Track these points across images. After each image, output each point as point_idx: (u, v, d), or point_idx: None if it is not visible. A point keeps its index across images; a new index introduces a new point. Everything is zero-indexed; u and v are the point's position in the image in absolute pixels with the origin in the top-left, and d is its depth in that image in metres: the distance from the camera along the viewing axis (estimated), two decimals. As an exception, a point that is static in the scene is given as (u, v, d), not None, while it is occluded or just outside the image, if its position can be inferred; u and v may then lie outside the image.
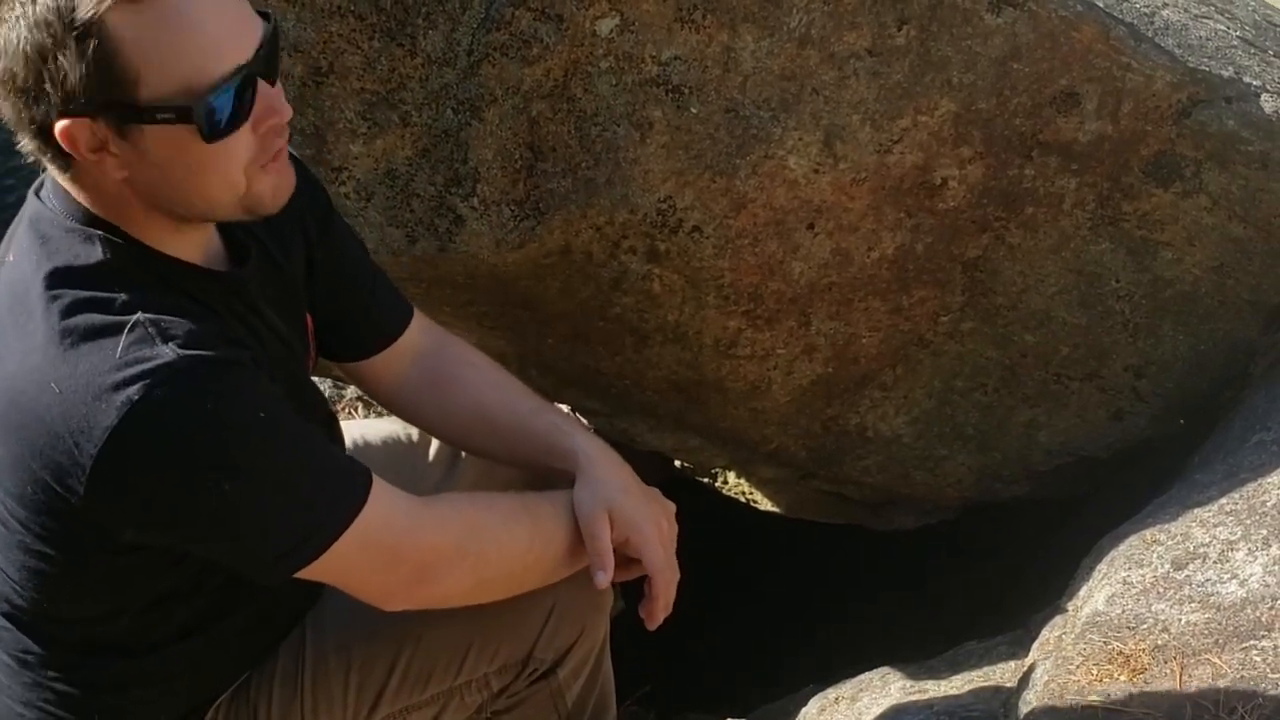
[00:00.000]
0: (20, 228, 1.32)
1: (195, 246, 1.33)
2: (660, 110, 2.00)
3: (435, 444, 1.81)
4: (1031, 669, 1.81)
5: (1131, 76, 2.12)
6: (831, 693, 2.29)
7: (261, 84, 1.22)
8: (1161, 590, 1.82)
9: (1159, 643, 1.72)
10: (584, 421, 2.64)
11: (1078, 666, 1.72)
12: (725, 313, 2.25)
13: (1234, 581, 1.79)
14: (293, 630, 1.55)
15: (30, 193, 1.33)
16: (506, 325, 2.36)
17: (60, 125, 1.18)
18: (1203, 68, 2.16)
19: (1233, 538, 1.88)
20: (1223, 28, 2.33)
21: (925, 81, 2.07)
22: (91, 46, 1.14)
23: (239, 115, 1.21)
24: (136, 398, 1.16)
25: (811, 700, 2.30)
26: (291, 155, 1.50)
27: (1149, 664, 1.68)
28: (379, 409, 1.79)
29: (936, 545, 3.01)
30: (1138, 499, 2.16)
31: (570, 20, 1.92)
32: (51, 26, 1.14)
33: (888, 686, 2.20)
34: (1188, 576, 1.83)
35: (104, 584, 1.33)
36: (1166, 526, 1.96)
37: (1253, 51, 2.31)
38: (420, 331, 1.68)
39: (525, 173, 2.03)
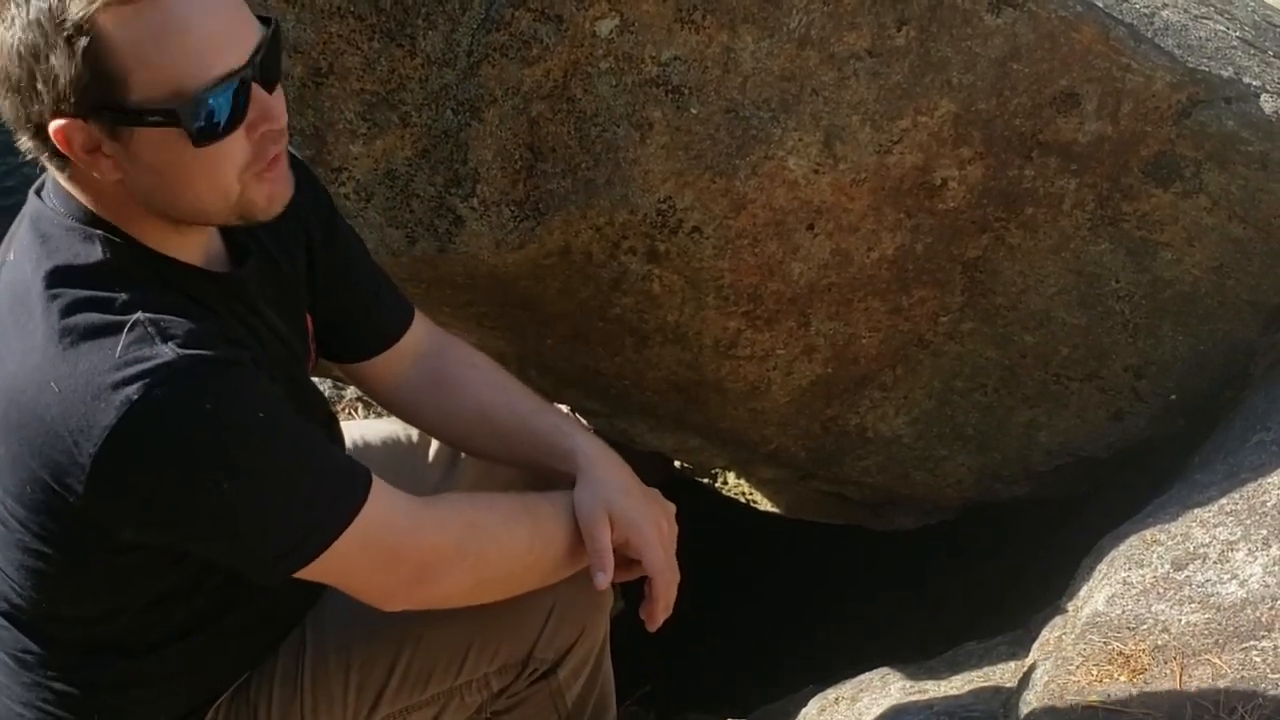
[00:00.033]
0: (21, 227, 1.32)
1: (195, 247, 1.32)
2: (660, 111, 2.00)
3: (435, 444, 1.81)
4: (1031, 669, 1.81)
5: (1131, 77, 2.12)
6: (831, 693, 2.29)
7: (256, 89, 1.21)
8: (1162, 590, 1.82)
9: (1159, 643, 1.72)
10: (584, 422, 2.64)
11: (1078, 667, 1.72)
12: (725, 313, 2.25)
13: (1234, 582, 1.79)
14: (293, 630, 1.55)
15: (31, 192, 1.33)
16: (506, 325, 2.36)
17: (54, 125, 1.19)
18: (1203, 68, 2.16)
19: (1233, 538, 1.88)
20: (1222, 28, 2.33)
21: (925, 82, 2.07)
22: (81, 47, 1.14)
23: (231, 120, 1.20)
24: (136, 397, 1.16)
25: (811, 700, 2.30)
26: (293, 156, 1.51)
27: (1149, 664, 1.68)
28: (379, 409, 1.79)
29: (936, 545, 3.01)
30: (1138, 499, 2.16)
31: (570, 21, 1.92)
32: (43, 26, 1.14)
33: (888, 687, 2.20)
34: (1188, 577, 1.83)
35: (103, 583, 1.34)
36: (1167, 527, 1.96)
37: (1253, 52, 2.31)
38: (421, 332, 1.68)
39: (525, 173, 2.03)
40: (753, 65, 2.00)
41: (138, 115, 1.17)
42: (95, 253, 1.25)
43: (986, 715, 1.92)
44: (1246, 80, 2.20)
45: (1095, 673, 1.70)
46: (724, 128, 2.03)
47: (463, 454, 1.78)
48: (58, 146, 1.20)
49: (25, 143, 1.23)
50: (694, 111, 2.01)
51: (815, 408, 2.46)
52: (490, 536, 1.45)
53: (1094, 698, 1.65)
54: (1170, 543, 1.92)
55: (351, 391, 3.30)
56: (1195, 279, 2.30)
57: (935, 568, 3.11)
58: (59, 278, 1.24)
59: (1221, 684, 1.62)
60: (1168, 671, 1.67)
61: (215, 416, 1.21)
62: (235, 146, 1.22)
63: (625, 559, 1.53)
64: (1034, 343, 2.38)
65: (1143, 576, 1.86)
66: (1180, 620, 1.75)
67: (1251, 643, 1.68)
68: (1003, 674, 2.07)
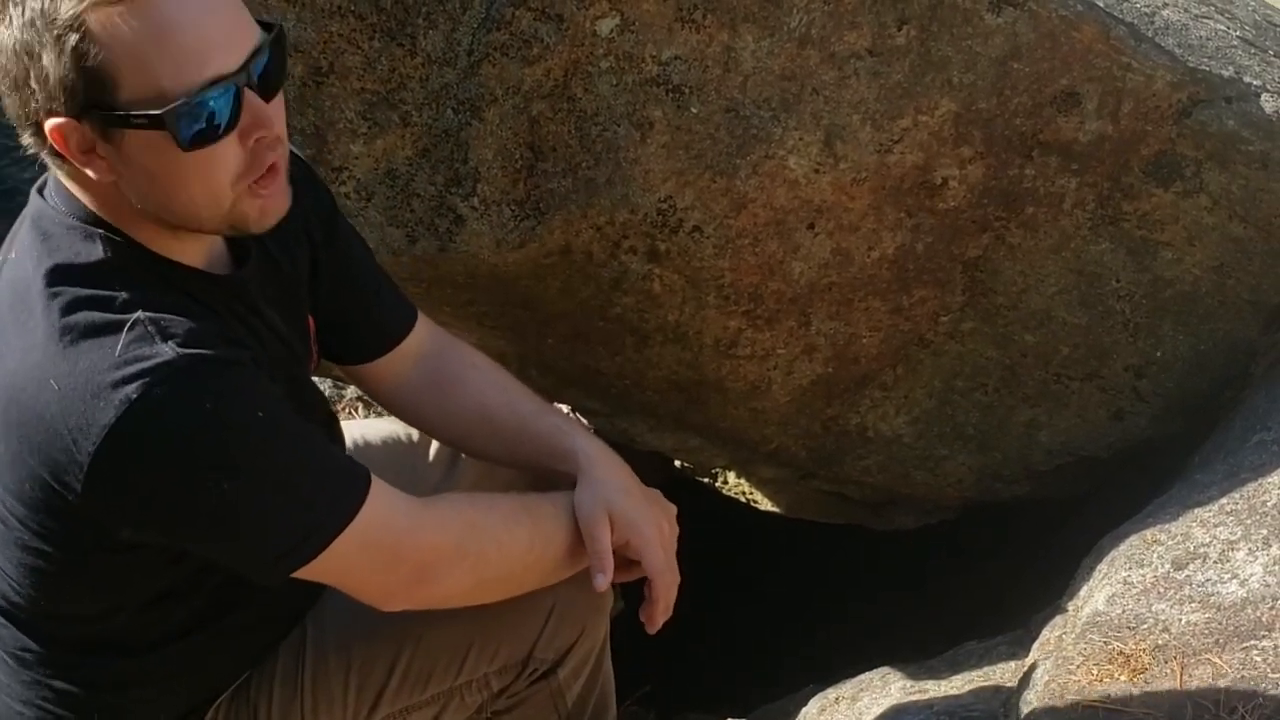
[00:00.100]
0: (23, 226, 1.32)
1: (195, 249, 1.32)
2: (660, 110, 2.00)
3: (435, 444, 1.81)
4: (1032, 669, 1.81)
5: (1132, 76, 2.12)
6: (832, 693, 2.29)
7: (250, 96, 1.20)
8: (1162, 590, 1.82)
9: (1159, 643, 1.72)
10: (585, 422, 2.64)
11: (1078, 666, 1.72)
12: (725, 313, 2.25)
13: (1234, 581, 1.79)
14: (293, 630, 1.55)
15: (33, 190, 1.33)
16: (506, 325, 2.36)
17: (50, 124, 1.19)
18: (1203, 68, 2.16)
19: (1233, 538, 1.88)
20: (1223, 28, 2.33)
21: (925, 81, 2.07)
22: (70, 46, 1.14)
23: (220, 126, 1.19)
24: (135, 396, 1.16)
25: (811, 700, 2.30)
26: (295, 154, 1.50)
27: (1149, 664, 1.68)
28: (379, 409, 1.79)
29: (936, 545, 3.01)
30: (1138, 499, 2.16)
31: (570, 20, 1.92)
32: (36, 25, 1.14)
33: (888, 686, 2.20)
34: (1188, 576, 1.83)
35: (102, 582, 1.33)
36: (1167, 526, 1.96)
37: (1253, 51, 2.31)
38: (423, 334, 1.67)
39: (525, 173, 2.03)
40: (753, 64, 2.00)
41: (125, 117, 1.17)
42: (96, 251, 1.25)
43: (987, 715, 1.92)
44: (1247, 80, 2.20)
45: (1095, 672, 1.70)
46: (724, 127, 2.03)
47: (463, 454, 1.78)
48: (54, 146, 1.20)
49: (27, 140, 1.23)
50: (694, 111, 2.01)
51: (816, 407, 2.45)
52: (490, 537, 1.45)
53: (1094, 697, 1.65)
54: (1170, 542, 1.92)
55: (351, 391, 3.30)
56: (1196, 279, 2.30)
57: (935, 568, 3.11)
58: (59, 276, 1.24)
59: (1222, 683, 1.62)
60: (1168, 671, 1.66)
61: (215, 416, 1.20)
62: (227, 153, 1.21)
63: (625, 560, 1.53)
64: (1034, 342, 2.38)
65: (1143, 576, 1.86)
66: (1181, 620, 1.75)
67: (1252, 642, 1.68)
68: (1003, 674, 2.07)
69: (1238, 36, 2.33)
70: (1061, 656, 1.76)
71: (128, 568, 1.32)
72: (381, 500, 1.34)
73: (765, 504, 3.06)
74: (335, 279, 1.57)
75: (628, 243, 2.12)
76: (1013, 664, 2.07)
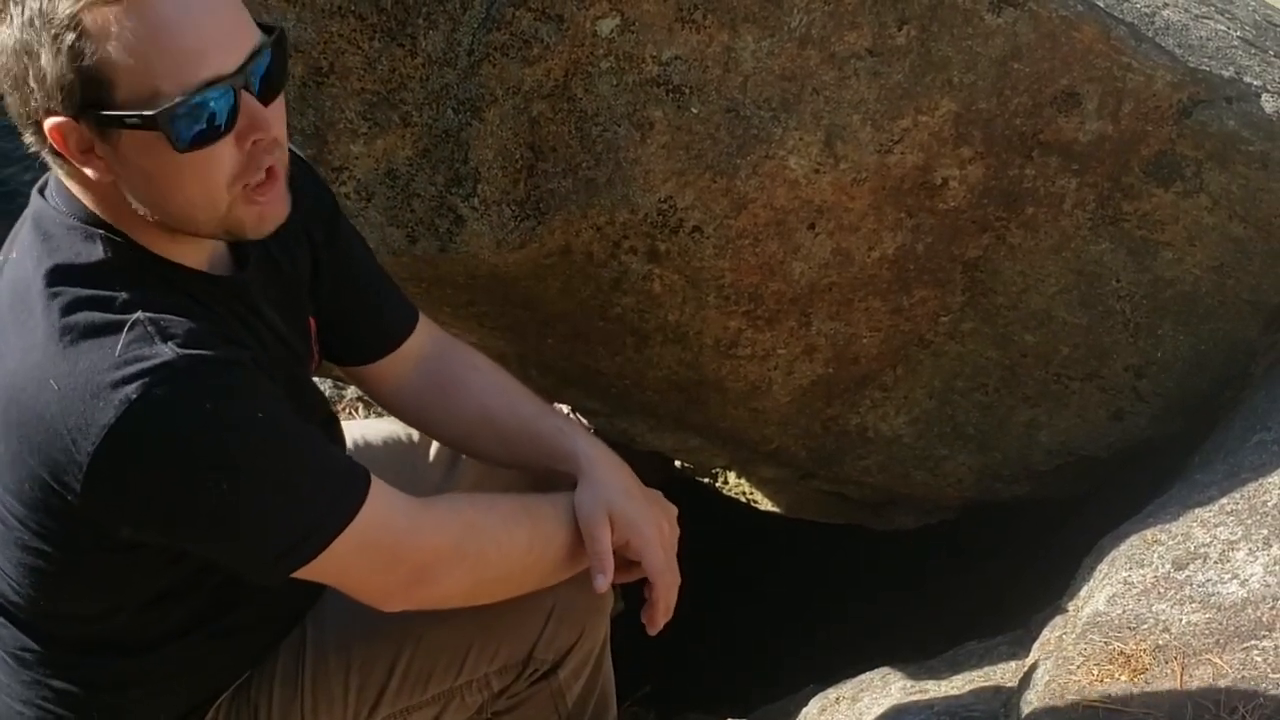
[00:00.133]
0: (24, 226, 1.32)
1: (197, 251, 1.32)
2: (661, 110, 2.00)
3: (435, 444, 1.81)
4: (1032, 669, 1.81)
5: (1132, 76, 2.12)
6: (832, 693, 2.29)
7: (247, 98, 1.20)
8: (1162, 590, 1.82)
9: (1160, 643, 1.72)
10: (585, 423, 2.64)
11: (1078, 666, 1.72)
12: (725, 313, 2.25)
13: (1235, 581, 1.79)
14: (293, 630, 1.55)
15: (34, 190, 1.33)
16: (507, 325, 2.36)
17: (48, 124, 1.19)
18: (1203, 68, 2.16)
19: (1233, 538, 1.88)
20: (1223, 28, 2.33)
21: (926, 81, 2.07)
22: (66, 45, 1.14)
23: (216, 128, 1.19)
24: (135, 396, 1.16)
25: (812, 700, 2.30)
26: (296, 155, 1.50)
27: (1150, 664, 1.68)
28: (379, 409, 1.79)
29: (936, 545, 3.01)
30: (1138, 499, 2.16)
31: (571, 20, 1.92)
32: (35, 24, 1.15)
33: (888, 686, 2.20)
34: (1188, 576, 1.83)
35: (101, 582, 1.33)
36: (1167, 526, 1.96)
37: (1253, 51, 2.31)
38: (424, 335, 1.67)
39: (526, 173, 2.03)
40: (753, 65, 2.00)
41: (121, 117, 1.17)
42: (96, 252, 1.25)
43: (987, 715, 1.92)
44: (1247, 80, 2.20)
45: (1096, 672, 1.70)
46: (725, 127, 2.03)
47: (463, 455, 1.78)
48: (53, 145, 1.20)
49: (28, 139, 1.23)
50: (695, 111, 2.01)
51: (816, 407, 2.46)
52: (489, 538, 1.45)
53: (1095, 697, 1.65)
54: (1171, 542, 1.92)
55: (352, 391, 3.30)
56: (1196, 279, 2.30)
57: (935, 568, 3.11)
58: (60, 276, 1.24)
59: (1222, 684, 1.62)
60: (1168, 671, 1.66)
61: (214, 416, 1.20)
62: (224, 155, 1.21)
63: (626, 560, 1.53)
64: (1034, 342, 2.38)
65: (1143, 576, 1.86)
66: (1181, 620, 1.75)
67: (1252, 642, 1.68)
68: (1003, 674, 2.07)
69: (1238, 36, 2.33)
70: (1062, 656, 1.76)
71: (127, 567, 1.32)
72: (381, 500, 1.34)
73: (765, 504, 3.06)
74: (336, 279, 1.57)
75: (628, 243, 2.12)
76: (1013, 664, 2.07)
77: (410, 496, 1.39)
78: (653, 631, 1.56)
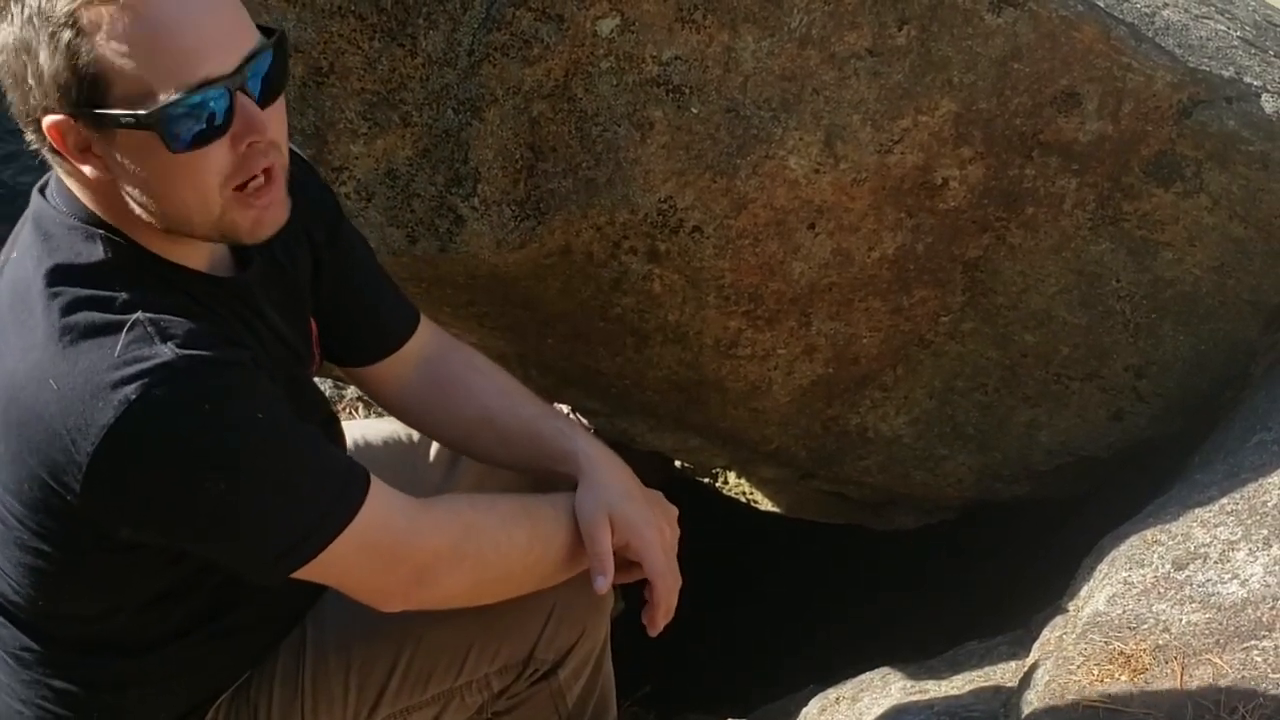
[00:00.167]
0: (25, 225, 1.32)
1: (197, 252, 1.32)
2: (661, 110, 2.00)
3: (436, 445, 1.81)
4: (1032, 669, 1.81)
5: (1132, 76, 2.12)
6: (832, 693, 2.29)
7: (243, 100, 1.19)
8: (1162, 590, 1.82)
9: (1160, 643, 1.72)
10: (585, 424, 2.64)
11: (1079, 666, 1.72)
12: (726, 313, 2.25)
13: (1235, 581, 1.79)
14: (293, 630, 1.55)
15: (35, 190, 1.33)
16: (506, 325, 2.36)
17: (46, 122, 1.19)
18: (1203, 68, 2.16)
19: (1233, 538, 1.88)
20: (1223, 28, 2.33)
21: (926, 81, 2.07)
22: (64, 43, 1.14)
23: (210, 129, 1.18)
24: (134, 396, 1.16)
25: (812, 700, 2.30)
26: (299, 156, 1.50)
27: (1150, 664, 1.68)
28: (379, 409, 1.79)
29: (936, 545, 3.01)
30: (1138, 499, 2.16)
31: (571, 20, 1.92)
32: (34, 22, 1.15)
33: (888, 686, 2.20)
34: (1188, 576, 1.83)
35: (101, 582, 1.33)
36: (1167, 526, 1.96)
37: (1253, 51, 2.31)
38: (426, 337, 1.67)
39: (526, 173, 2.03)
40: (753, 65, 2.00)
41: (116, 116, 1.17)
42: (96, 252, 1.25)
43: (987, 715, 1.92)
44: (1247, 80, 2.20)
45: (1096, 672, 1.70)
46: (725, 127, 2.03)
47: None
48: (52, 144, 1.20)
49: (30, 137, 1.23)
50: (695, 111, 2.01)
51: (816, 407, 2.45)
52: (489, 539, 1.45)
53: (1095, 697, 1.65)
54: (1171, 542, 1.92)
55: (352, 391, 3.30)
56: (1196, 279, 2.30)
57: (935, 568, 3.11)
58: (60, 276, 1.24)
59: (1222, 684, 1.62)
60: (1169, 671, 1.67)
61: (214, 417, 1.20)
62: (217, 157, 1.20)
63: (626, 561, 1.52)
64: (1035, 342, 2.38)
65: (1143, 576, 1.86)
66: (1181, 620, 1.75)
67: (1252, 642, 1.68)
68: (1003, 674, 2.07)
69: (1238, 36, 2.33)
70: (1062, 656, 1.76)
71: (127, 568, 1.32)
72: (381, 501, 1.34)
73: (765, 504, 3.06)
74: (337, 281, 1.57)
75: (628, 243, 2.12)
76: (1013, 664, 2.07)
77: (410, 497, 1.39)
78: (653, 633, 1.56)
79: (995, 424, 2.49)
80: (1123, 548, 1.97)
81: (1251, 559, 1.82)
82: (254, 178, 1.24)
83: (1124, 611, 1.80)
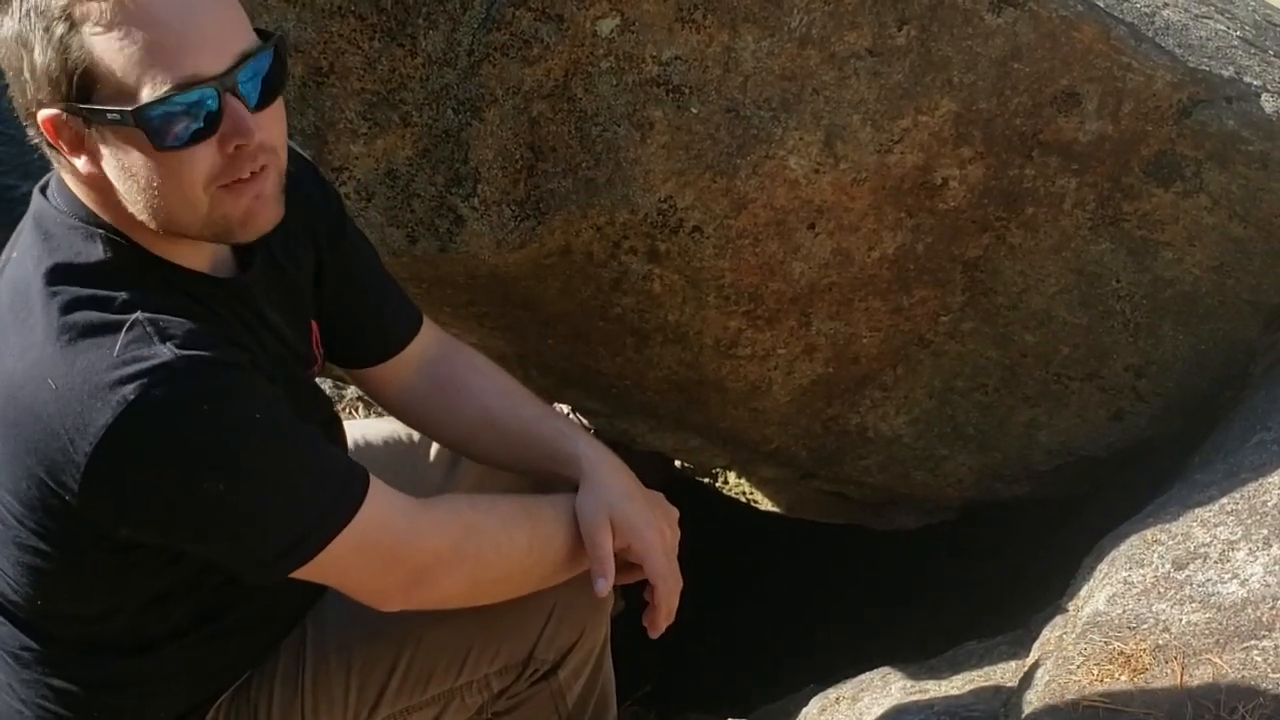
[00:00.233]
0: (26, 225, 1.32)
1: (197, 253, 1.32)
2: (661, 110, 2.00)
3: (436, 445, 1.81)
4: (1032, 669, 1.81)
5: (1132, 76, 2.12)
6: (832, 693, 2.29)
7: (232, 102, 1.19)
8: (1162, 590, 1.82)
9: (1160, 642, 1.72)
10: (585, 424, 2.64)
11: (1078, 666, 1.72)
12: (725, 313, 2.25)
13: (1235, 581, 1.79)
14: (293, 629, 1.55)
15: (35, 190, 1.33)
16: (507, 325, 2.36)
17: (41, 116, 1.20)
18: (1203, 68, 2.16)
19: (1233, 537, 1.88)
20: (1223, 28, 2.33)
21: (926, 81, 2.07)
22: (57, 37, 1.15)
23: (195, 128, 1.18)
24: (133, 397, 1.16)
25: (812, 700, 2.30)
26: (302, 157, 1.50)
27: (1150, 664, 1.68)
28: (379, 409, 1.79)
29: (936, 545, 3.01)
30: (1138, 499, 2.16)
31: (571, 20, 1.92)
32: (31, 16, 1.16)
33: (888, 686, 2.20)
34: (1188, 576, 1.83)
35: (100, 582, 1.33)
36: (1167, 526, 1.96)
37: (1253, 51, 2.31)
38: (428, 339, 1.67)
39: (526, 173, 2.03)
40: (753, 65, 2.00)
41: (103, 112, 1.17)
42: (96, 251, 1.25)
43: (987, 715, 1.92)
44: (1247, 80, 2.20)
45: (1096, 672, 1.70)
46: (725, 127, 2.03)
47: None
48: (47, 138, 1.21)
49: (31, 132, 1.24)
50: (694, 111, 2.01)
51: (816, 407, 2.45)
52: (489, 539, 1.45)
53: (1094, 697, 1.65)
54: (1171, 542, 1.92)
55: (352, 391, 3.30)
56: (1196, 279, 2.30)
57: (935, 568, 3.11)
58: (59, 275, 1.24)
59: (1222, 683, 1.62)
60: (1168, 671, 1.66)
61: (213, 417, 1.20)
62: (203, 157, 1.20)
63: (626, 562, 1.52)
64: (1034, 342, 2.38)
65: (1143, 576, 1.86)
66: (1181, 620, 1.75)
67: (1252, 642, 1.68)
68: (1003, 673, 2.07)
69: (1238, 36, 2.33)
70: (1062, 656, 1.76)
71: (126, 568, 1.32)
72: (380, 501, 1.34)
73: (765, 504, 3.06)
74: (340, 281, 1.57)
75: (628, 243, 2.12)
76: (1013, 664, 2.07)
77: (410, 497, 1.39)
78: (654, 635, 1.56)
79: (995, 424, 2.50)
80: (1123, 547, 1.97)
81: (1251, 559, 1.82)
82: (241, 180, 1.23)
83: (1124, 611, 1.80)
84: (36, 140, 1.24)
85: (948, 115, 2.10)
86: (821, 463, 2.60)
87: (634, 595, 1.58)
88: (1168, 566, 1.86)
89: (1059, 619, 1.93)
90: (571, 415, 2.64)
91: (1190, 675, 1.65)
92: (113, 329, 1.20)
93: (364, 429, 1.85)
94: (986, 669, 2.13)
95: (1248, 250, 2.27)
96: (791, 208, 2.13)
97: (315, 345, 1.54)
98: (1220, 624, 1.72)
